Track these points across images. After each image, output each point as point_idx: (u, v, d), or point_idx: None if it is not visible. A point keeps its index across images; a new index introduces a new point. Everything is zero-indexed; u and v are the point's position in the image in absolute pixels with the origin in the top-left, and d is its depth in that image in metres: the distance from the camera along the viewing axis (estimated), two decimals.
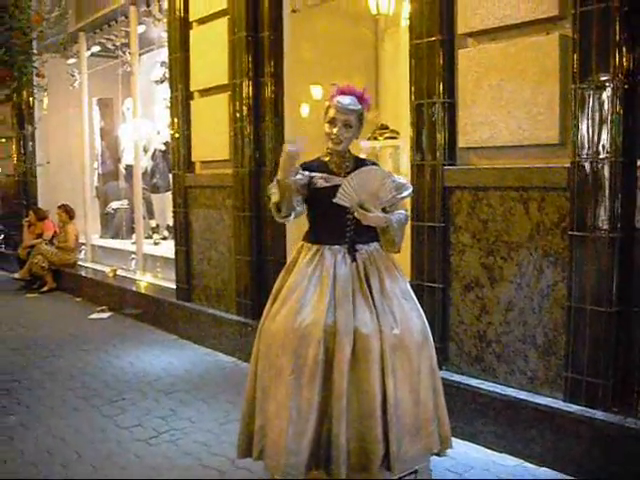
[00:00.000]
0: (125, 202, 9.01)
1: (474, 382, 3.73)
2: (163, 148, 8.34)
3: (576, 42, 3.22)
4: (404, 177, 3.21)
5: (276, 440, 2.93)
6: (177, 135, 5.96)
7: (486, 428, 3.61)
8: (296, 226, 5.20)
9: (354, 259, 3.03)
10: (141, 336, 6.24)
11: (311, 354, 2.89)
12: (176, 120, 5.95)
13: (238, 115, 5.22)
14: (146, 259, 7.51)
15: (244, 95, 5.15)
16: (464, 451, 3.57)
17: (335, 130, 2.99)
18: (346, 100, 3.01)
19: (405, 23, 4.77)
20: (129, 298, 6.97)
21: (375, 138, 5.11)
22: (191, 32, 5.78)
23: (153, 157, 8.23)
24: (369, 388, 2.86)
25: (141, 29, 7.26)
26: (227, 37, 5.28)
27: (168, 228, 8.55)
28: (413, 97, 3.94)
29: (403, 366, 2.93)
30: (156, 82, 8.51)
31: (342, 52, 5.56)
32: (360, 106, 3.03)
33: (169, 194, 8.44)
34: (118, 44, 7.67)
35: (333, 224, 3.06)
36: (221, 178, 5.52)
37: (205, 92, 5.70)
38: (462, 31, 3.74)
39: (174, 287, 6.54)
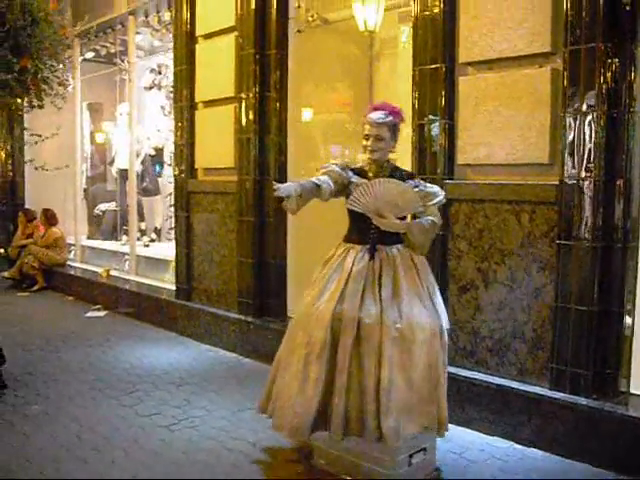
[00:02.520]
0: (113, 204, 9.25)
1: (468, 373, 4.16)
2: (153, 153, 8.62)
3: (565, 75, 3.69)
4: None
5: (284, 404, 3.46)
6: (181, 143, 6.28)
7: (479, 414, 4.05)
8: (296, 230, 5.62)
9: (371, 258, 3.45)
10: (141, 334, 6.52)
11: (320, 335, 3.37)
12: (180, 129, 6.27)
13: (244, 126, 5.59)
14: (139, 260, 7.78)
15: (250, 108, 5.51)
16: (460, 435, 4.00)
17: (369, 142, 3.45)
18: (376, 115, 3.45)
19: (402, 47, 5.22)
20: (125, 297, 7.23)
21: None
22: (197, 46, 6.12)
23: (143, 161, 8.49)
24: (366, 370, 3.29)
25: (138, 38, 7.55)
26: (234, 52, 5.64)
27: (155, 230, 8.83)
28: (416, 117, 4.37)
29: (401, 357, 3.29)
30: (145, 88, 8.79)
31: (340, 70, 5.99)
32: (390, 118, 3.44)
33: (158, 197, 8.75)
34: (113, 51, 7.93)
35: (361, 227, 3.51)
36: (225, 185, 5.87)
37: (210, 103, 6.04)
38: (463, 60, 4.18)
39: (169, 287, 6.88)
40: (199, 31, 6.08)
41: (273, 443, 3.88)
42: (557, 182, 3.75)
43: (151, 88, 8.71)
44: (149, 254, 7.91)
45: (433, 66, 4.26)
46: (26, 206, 9.57)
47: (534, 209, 3.89)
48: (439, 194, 3.52)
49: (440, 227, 3.59)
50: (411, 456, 3.42)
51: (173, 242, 8.34)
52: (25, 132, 4.89)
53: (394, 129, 3.48)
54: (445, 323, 3.49)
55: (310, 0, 5.42)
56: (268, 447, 3.85)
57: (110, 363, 5.54)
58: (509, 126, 3.97)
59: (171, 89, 8.44)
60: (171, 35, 7.19)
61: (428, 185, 3.56)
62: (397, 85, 5.24)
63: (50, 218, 8.84)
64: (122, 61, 7.87)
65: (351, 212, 3.54)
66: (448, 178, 4.26)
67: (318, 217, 5.00)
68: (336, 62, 5.95)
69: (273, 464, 3.66)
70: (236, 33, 5.63)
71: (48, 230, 8.78)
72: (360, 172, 3.59)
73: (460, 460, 3.70)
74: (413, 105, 4.38)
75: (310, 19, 5.35)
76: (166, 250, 7.85)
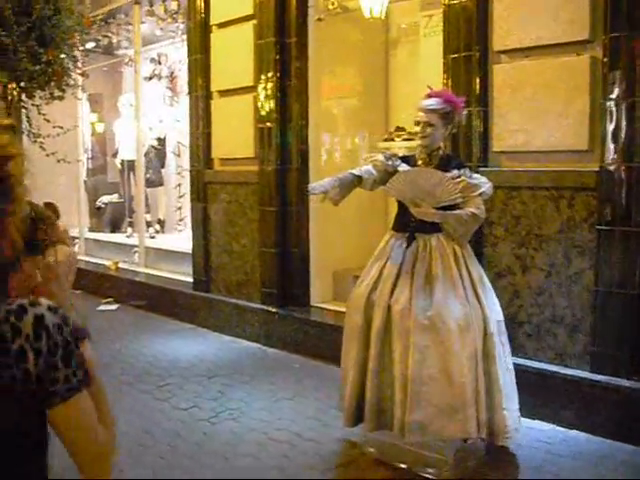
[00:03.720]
0: (115, 196, 9.15)
1: None
2: (155, 144, 8.53)
3: (605, 63, 3.73)
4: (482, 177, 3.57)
5: (341, 386, 3.65)
6: (196, 133, 6.22)
7: (520, 398, 4.10)
8: (318, 219, 5.62)
9: (408, 246, 3.48)
10: (158, 326, 6.48)
11: (354, 319, 3.50)
12: (195, 119, 6.21)
13: (264, 115, 5.56)
14: (148, 252, 7.71)
15: (271, 96, 5.49)
16: None
17: (419, 129, 3.46)
18: (427, 102, 3.47)
19: (424, 34, 5.23)
20: (137, 290, 7.18)
21: (392, 139, 5.53)
22: (212, 35, 6.05)
23: (146, 153, 8.40)
24: (396, 357, 3.34)
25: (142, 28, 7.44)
26: (253, 41, 5.60)
27: (159, 222, 8.76)
28: None
29: (434, 346, 3.27)
30: (145, 79, 8.67)
31: (357, 57, 5.97)
32: (443, 106, 3.45)
33: (161, 189, 8.69)
34: (114, 42, 7.82)
35: (403, 215, 3.55)
36: (245, 175, 5.84)
37: (227, 92, 5.99)
38: (497, 48, 4.20)
39: (182, 279, 6.84)
40: (214, 20, 6.02)
41: (317, 433, 3.90)
42: (597, 168, 3.79)
43: (151, 78, 8.60)
44: (158, 246, 7.84)
45: (466, 54, 4.27)
46: None
47: (573, 195, 3.93)
48: (483, 185, 3.47)
49: (483, 219, 3.54)
50: (465, 441, 3.47)
51: (181, 233, 8.38)
52: (26, 124, 4.80)
53: (447, 117, 3.47)
54: (493, 314, 3.44)
55: None
56: (313, 437, 3.86)
57: (133, 357, 5.50)
58: (547, 113, 4.00)
59: (171, 79, 8.41)
60: (176, 24, 7.15)
61: (474, 176, 3.53)
62: (419, 72, 5.24)
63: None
64: (125, 51, 7.75)
65: (398, 201, 3.59)
66: (483, 166, 4.28)
67: (341, 205, 5.00)
68: (354, 49, 5.93)
69: (322, 455, 3.68)
70: (254, 21, 5.59)
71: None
72: (409, 160, 3.61)
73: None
74: None
75: (330, 7, 5.32)
76: (175, 241, 7.82)
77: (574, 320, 3.99)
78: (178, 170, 8.41)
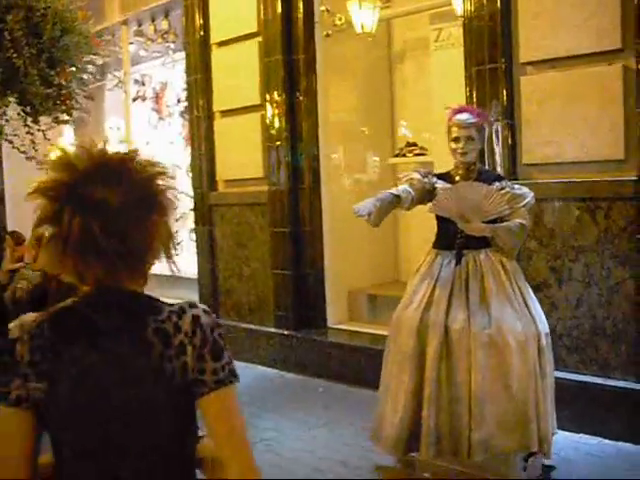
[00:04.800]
0: None
1: None
2: None
3: (638, 71, 3.72)
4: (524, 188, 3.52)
5: (379, 415, 3.50)
6: (198, 155, 6.04)
7: (563, 413, 4.03)
8: (333, 239, 5.49)
9: (457, 263, 3.40)
10: None
11: (408, 343, 3.36)
12: (197, 140, 6.04)
13: (273, 134, 5.43)
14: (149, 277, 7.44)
15: (281, 114, 5.37)
16: None
17: (460, 145, 3.38)
18: (464, 116, 3.41)
19: (434, 48, 5.19)
20: None
21: (404, 155, 5.45)
22: (212, 54, 5.91)
23: None
24: (457, 378, 3.25)
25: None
26: (259, 59, 5.48)
27: None
28: None
29: (495, 363, 3.22)
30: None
31: (363, 72, 5.88)
32: (477, 119, 3.43)
33: None
34: (99, 63, 7.58)
35: (447, 232, 3.46)
36: (254, 196, 5.68)
37: (230, 112, 5.85)
38: (524, 60, 4.17)
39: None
40: (214, 38, 5.88)
41: (363, 461, 3.76)
42: (634, 177, 3.77)
43: (135, 100, 8.37)
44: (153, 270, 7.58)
45: (491, 66, 4.23)
46: (11, 229, 9.04)
47: (610, 205, 3.90)
48: (528, 195, 3.45)
49: (529, 229, 3.54)
50: (526, 460, 3.39)
51: (176, 258, 8.13)
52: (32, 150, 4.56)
53: (482, 130, 3.48)
54: (543, 328, 3.41)
55: (336, 3, 5.32)
56: (361, 465, 3.72)
57: None
58: (578, 124, 3.98)
59: (156, 100, 8.21)
60: (166, 44, 6.99)
61: (516, 187, 3.52)
62: (428, 86, 5.20)
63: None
64: (116, 72, 7.51)
65: (437, 217, 3.52)
66: (512, 179, 4.22)
67: (353, 223, 4.91)
68: (360, 65, 5.84)
69: None
70: (259, 39, 5.48)
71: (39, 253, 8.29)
72: (445, 177, 3.55)
73: (559, 460, 3.66)
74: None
75: (338, 22, 5.24)
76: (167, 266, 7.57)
77: (615, 331, 3.95)
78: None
